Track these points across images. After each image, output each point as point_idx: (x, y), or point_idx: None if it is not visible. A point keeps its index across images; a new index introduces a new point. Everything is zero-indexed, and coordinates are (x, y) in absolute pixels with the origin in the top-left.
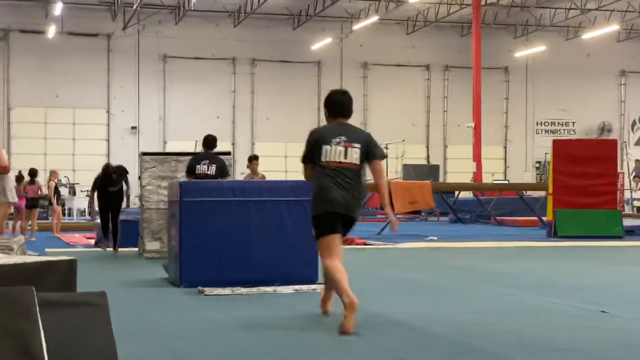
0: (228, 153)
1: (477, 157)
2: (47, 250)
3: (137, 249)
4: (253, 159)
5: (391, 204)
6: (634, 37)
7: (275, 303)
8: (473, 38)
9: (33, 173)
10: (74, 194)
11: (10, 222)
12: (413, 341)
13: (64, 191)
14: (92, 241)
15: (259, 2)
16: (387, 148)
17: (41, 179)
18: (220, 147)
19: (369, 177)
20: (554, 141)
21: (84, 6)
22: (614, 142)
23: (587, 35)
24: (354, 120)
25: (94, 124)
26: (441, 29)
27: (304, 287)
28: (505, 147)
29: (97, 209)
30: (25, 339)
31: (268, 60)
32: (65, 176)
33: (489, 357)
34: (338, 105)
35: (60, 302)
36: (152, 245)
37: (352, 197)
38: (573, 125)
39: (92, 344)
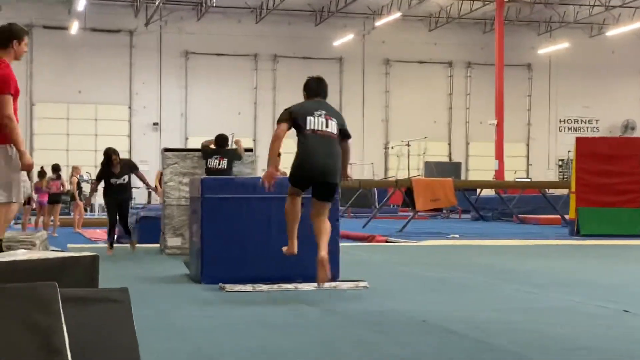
0: (250, 150)
1: (499, 155)
2: (69, 246)
3: (158, 245)
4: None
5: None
6: None
7: (296, 300)
8: (496, 34)
9: (56, 168)
10: (96, 190)
11: (33, 218)
12: (433, 339)
13: (85, 187)
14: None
15: None
16: (408, 145)
17: (64, 174)
18: (242, 143)
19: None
20: (577, 139)
21: (107, 2)
22: (638, 140)
23: (611, 32)
24: (377, 117)
25: (116, 120)
26: (464, 25)
27: (326, 284)
28: (527, 145)
29: (93, 201)
30: (48, 334)
31: (290, 57)
32: (87, 172)
33: (509, 356)
34: (316, 85)
35: (83, 298)
36: (173, 241)
37: (333, 164)
38: (596, 123)
39: (115, 341)
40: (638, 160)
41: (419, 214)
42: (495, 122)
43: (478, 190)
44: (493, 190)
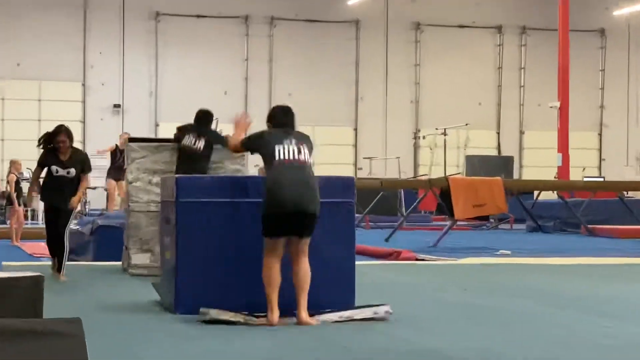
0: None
1: (563, 147)
2: (4, 263)
3: (120, 263)
4: None
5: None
6: None
7: (298, 333)
8: None
9: None
10: (37, 183)
11: None
12: None
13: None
14: None
15: None
16: (445, 134)
17: None
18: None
19: None
20: None
21: None
22: None
23: None
24: (404, 98)
25: (66, 101)
26: None
27: (337, 313)
28: (600, 134)
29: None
30: None
31: (291, 19)
32: (27, 168)
33: None
34: (284, 115)
35: (23, 331)
36: (139, 258)
37: (309, 192)
38: None
39: None
40: None
41: (458, 223)
42: (557, 104)
43: (535, 192)
44: (555, 193)
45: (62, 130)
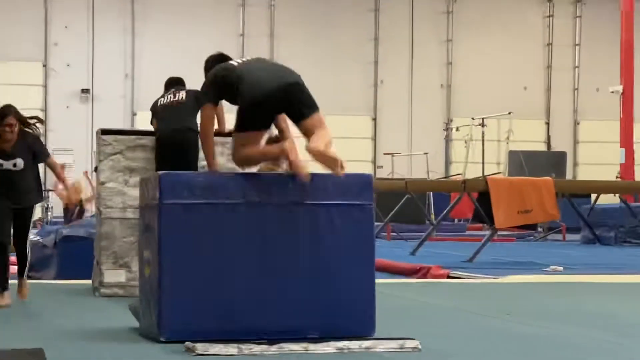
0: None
1: (626, 141)
2: None
3: (90, 281)
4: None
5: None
6: None
7: None
8: None
9: None
10: None
11: None
12: None
13: None
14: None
15: None
16: (483, 125)
17: None
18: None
19: None
20: None
21: None
22: None
23: None
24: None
25: (23, 85)
26: None
27: (354, 343)
28: None
29: None
30: None
31: None
32: None
33: None
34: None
35: None
36: (113, 275)
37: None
38: None
39: None
40: None
41: (500, 233)
42: (620, 89)
43: (593, 196)
44: (616, 196)
45: (10, 111)
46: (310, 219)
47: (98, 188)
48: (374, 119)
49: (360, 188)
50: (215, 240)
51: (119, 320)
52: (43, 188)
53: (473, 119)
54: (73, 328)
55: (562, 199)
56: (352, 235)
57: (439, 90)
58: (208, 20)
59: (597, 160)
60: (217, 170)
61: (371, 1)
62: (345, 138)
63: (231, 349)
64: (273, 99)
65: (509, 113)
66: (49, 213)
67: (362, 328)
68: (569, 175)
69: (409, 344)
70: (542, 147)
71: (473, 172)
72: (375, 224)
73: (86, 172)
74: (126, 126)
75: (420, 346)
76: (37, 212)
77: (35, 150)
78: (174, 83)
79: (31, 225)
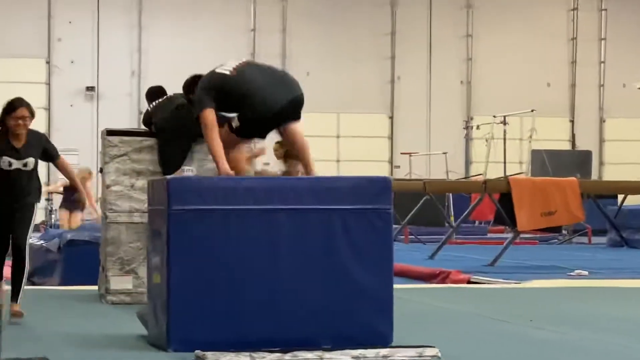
0: None
1: None
2: None
3: (96, 287)
4: (291, 156)
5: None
6: None
7: None
8: None
9: None
10: None
11: None
12: None
13: None
14: None
15: None
16: (504, 123)
17: None
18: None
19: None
20: None
21: None
22: None
23: None
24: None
25: (25, 83)
26: None
27: (371, 352)
28: None
29: None
30: None
31: None
32: None
33: None
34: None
35: None
36: (120, 282)
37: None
38: None
39: None
40: None
41: (522, 236)
42: None
43: (620, 197)
44: None
45: (22, 104)
46: (324, 224)
47: (103, 191)
48: (391, 117)
49: (378, 192)
50: (225, 248)
51: (127, 329)
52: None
53: (494, 116)
54: (78, 336)
55: (587, 200)
56: (369, 241)
57: (459, 87)
58: (218, 15)
59: (623, 159)
60: (229, 173)
61: None
62: (361, 137)
63: (243, 357)
64: (285, 113)
65: (532, 110)
66: (53, 216)
67: (379, 336)
68: (594, 175)
69: (428, 352)
70: (567, 146)
71: (494, 172)
72: (393, 227)
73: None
74: (133, 125)
75: (439, 354)
76: (40, 215)
77: (46, 149)
78: (161, 92)
79: (32, 227)
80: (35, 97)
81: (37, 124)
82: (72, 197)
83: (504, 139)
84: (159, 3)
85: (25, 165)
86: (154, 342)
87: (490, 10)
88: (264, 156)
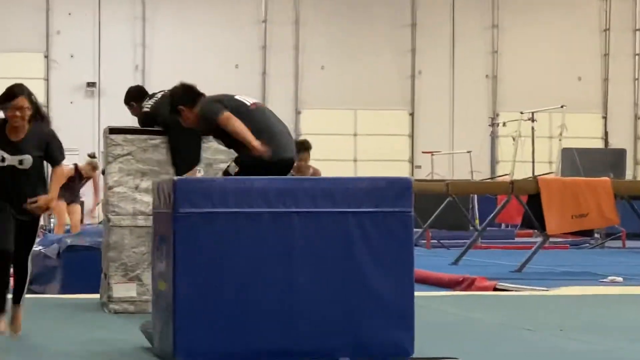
0: None
1: None
2: None
3: (98, 295)
4: (299, 151)
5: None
6: None
7: None
8: None
9: None
10: None
11: None
12: None
13: None
14: None
15: None
16: (533, 120)
17: None
18: None
19: None
20: None
21: None
22: None
23: None
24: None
25: (23, 79)
26: None
27: None
28: None
29: None
30: None
31: None
32: None
33: None
34: (190, 86)
35: None
36: (123, 289)
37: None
38: None
39: None
40: None
41: (552, 240)
42: None
43: None
44: None
45: (22, 92)
46: (341, 228)
47: (106, 193)
48: (412, 114)
49: (398, 194)
50: (235, 253)
51: (130, 339)
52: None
53: (522, 113)
54: (79, 347)
55: (621, 201)
56: (388, 246)
57: (484, 82)
58: (226, 6)
59: None
60: (263, 150)
61: None
62: (380, 135)
63: None
64: (285, 168)
65: (562, 106)
66: (52, 220)
67: (399, 347)
68: (628, 175)
69: None
70: (599, 144)
71: (522, 172)
72: (414, 230)
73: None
74: (136, 123)
75: None
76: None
77: (49, 148)
78: (145, 92)
79: (34, 242)
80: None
81: None
82: (70, 187)
83: (532, 137)
84: None
85: (20, 162)
86: (159, 353)
87: (516, 1)
88: None
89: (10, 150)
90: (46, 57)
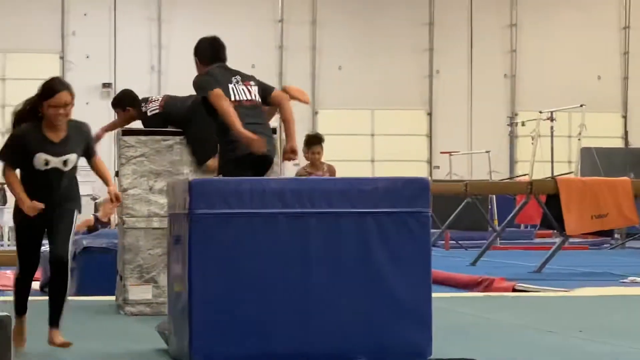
0: (273, 130)
1: None
2: None
3: (113, 297)
4: (313, 144)
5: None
6: None
7: None
8: None
9: None
10: (4, 202)
11: None
12: None
13: None
14: (36, 283)
15: None
16: (552, 119)
17: None
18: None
19: None
20: None
21: None
22: None
23: None
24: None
25: (38, 80)
26: None
27: None
28: None
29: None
30: None
31: None
32: None
33: None
34: (217, 46)
35: None
36: (138, 292)
37: (269, 137)
38: None
39: None
40: None
41: (571, 240)
42: None
43: None
44: None
45: (64, 87)
46: (358, 229)
47: (121, 195)
48: (429, 114)
49: (415, 194)
50: (251, 254)
51: (146, 342)
52: None
53: (540, 112)
54: (95, 350)
55: None
56: (406, 247)
57: (502, 81)
58: (242, 6)
59: None
60: (250, 136)
61: None
62: (397, 135)
63: None
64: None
65: (581, 105)
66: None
67: (417, 349)
68: None
69: None
70: (619, 144)
71: (541, 172)
72: (432, 231)
73: None
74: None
75: None
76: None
77: (89, 144)
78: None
79: (72, 236)
80: None
81: None
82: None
83: (551, 136)
84: None
85: (65, 163)
86: (175, 356)
87: None
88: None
89: (53, 152)
90: (61, 57)
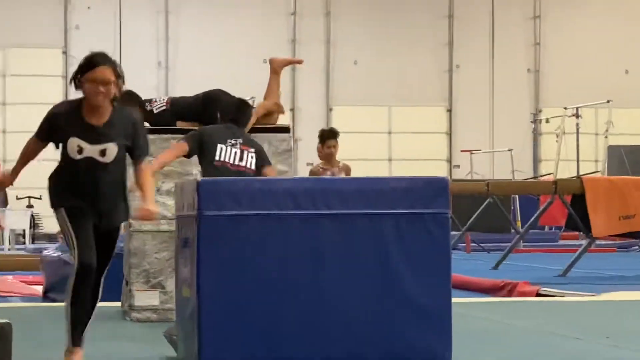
0: (286, 129)
1: None
2: None
3: (119, 303)
4: (328, 138)
5: None
6: None
7: None
8: None
9: None
10: (6, 203)
11: None
12: None
13: None
14: (39, 289)
15: None
16: (577, 116)
17: None
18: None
19: None
20: None
21: None
22: None
23: None
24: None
25: (40, 76)
26: None
27: None
28: None
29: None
30: None
31: None
32: None
33: None
34: (242, 110)
35: None
36: (145, 297)
37: None
38: None
39: None
40: None
41: (598, 242)
42: None
43: None
44: None
45: (106, 61)
46: (374, 231)
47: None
48: (449, 111)
49: (434, 194)
50: (263, 257)
51: (153, 349)
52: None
53: (565, 108)
54: (100, 356)
55: None
56: (424, 249)
57: (526, 76)
58: None
59: None
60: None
61: None
62: (415, 133)
63: None
64: None
65: (608, 101)
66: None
67: (436, 355)
68: None
69: None
70: None
71: (566, 171)
72: (452, 233)
73: None
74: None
75: None
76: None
77: (137, 135)
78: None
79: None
80: (50, 91)
81: None
82: None
83: (577, 134)
84: None
85: (102, 153)
86: None
87: None
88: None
89: (90, 138)
90: (64, 52)
